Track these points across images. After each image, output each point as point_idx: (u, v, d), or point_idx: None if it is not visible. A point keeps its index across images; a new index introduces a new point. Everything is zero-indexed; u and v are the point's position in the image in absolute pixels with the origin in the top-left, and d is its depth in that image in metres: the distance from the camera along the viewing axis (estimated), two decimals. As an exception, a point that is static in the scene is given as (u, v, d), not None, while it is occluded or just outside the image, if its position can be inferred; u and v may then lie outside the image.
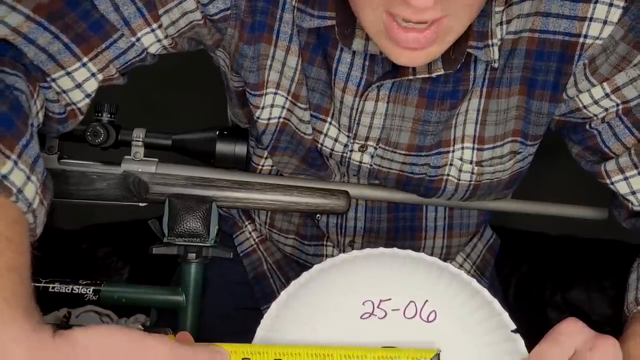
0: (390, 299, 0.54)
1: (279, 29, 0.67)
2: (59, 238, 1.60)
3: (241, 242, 0.95)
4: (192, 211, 0.71)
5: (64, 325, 1.36)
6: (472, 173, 0.75)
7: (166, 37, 0.65)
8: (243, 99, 0.75)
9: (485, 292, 0.54)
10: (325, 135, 0.74)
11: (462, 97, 0.70)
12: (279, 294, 0.97)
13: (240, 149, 0.72)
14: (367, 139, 0.73)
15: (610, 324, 1.39)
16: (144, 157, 0.72)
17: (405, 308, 0.54)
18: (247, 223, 0.95)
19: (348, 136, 0.73)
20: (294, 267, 0.94)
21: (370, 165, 0.76)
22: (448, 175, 0.76)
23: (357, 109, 0.70)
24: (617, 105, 0.68)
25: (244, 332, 0.55)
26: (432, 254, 0.67)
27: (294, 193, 0.73)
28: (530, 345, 0.53)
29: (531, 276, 1.49)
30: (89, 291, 0.69)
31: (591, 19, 0.64)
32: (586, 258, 1.46)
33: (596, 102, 0.69)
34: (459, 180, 0.76)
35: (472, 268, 0.95)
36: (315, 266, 0.56)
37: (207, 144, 0.72)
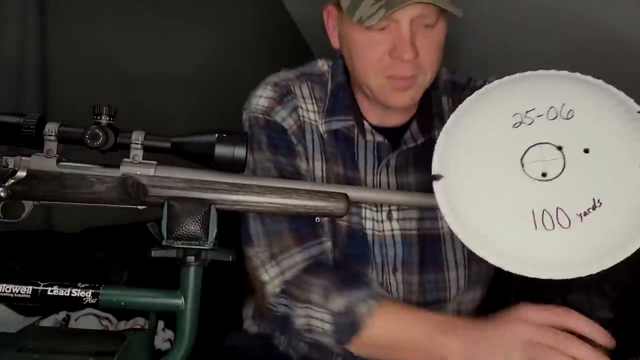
0: (533, 109, 0.66)
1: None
2: (58, 241, 1.60)
3: None
4: (191, 214, 0.70)
5: (63, 327, 1.35)
6: None
7: None
8: None
9: (613, 88, 0.68)
10: (365, 218, 0.97)
11: None
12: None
13: (239, 151, 0.71)
14: (389, 205, 0.96)
15: (611, 326, 1.38)
16: (143, 159, 0.72)
17: (547, 112, 0.65)
18: None
19: (377, 210, 0.97)
20: None
21: (398, 230, 0.97)
22: None
23: (376, 184, 0.96)
24: None
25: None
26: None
27: (292, 196, 0.73)
28: None
29: (531, 278, 1.49)
30: (88, 294, 0.69)
31: None
32: (586, 261, 1.46)
33: None
34: None
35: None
36: (466, 100, 0.73)
37: (206, 146, 0.71)
